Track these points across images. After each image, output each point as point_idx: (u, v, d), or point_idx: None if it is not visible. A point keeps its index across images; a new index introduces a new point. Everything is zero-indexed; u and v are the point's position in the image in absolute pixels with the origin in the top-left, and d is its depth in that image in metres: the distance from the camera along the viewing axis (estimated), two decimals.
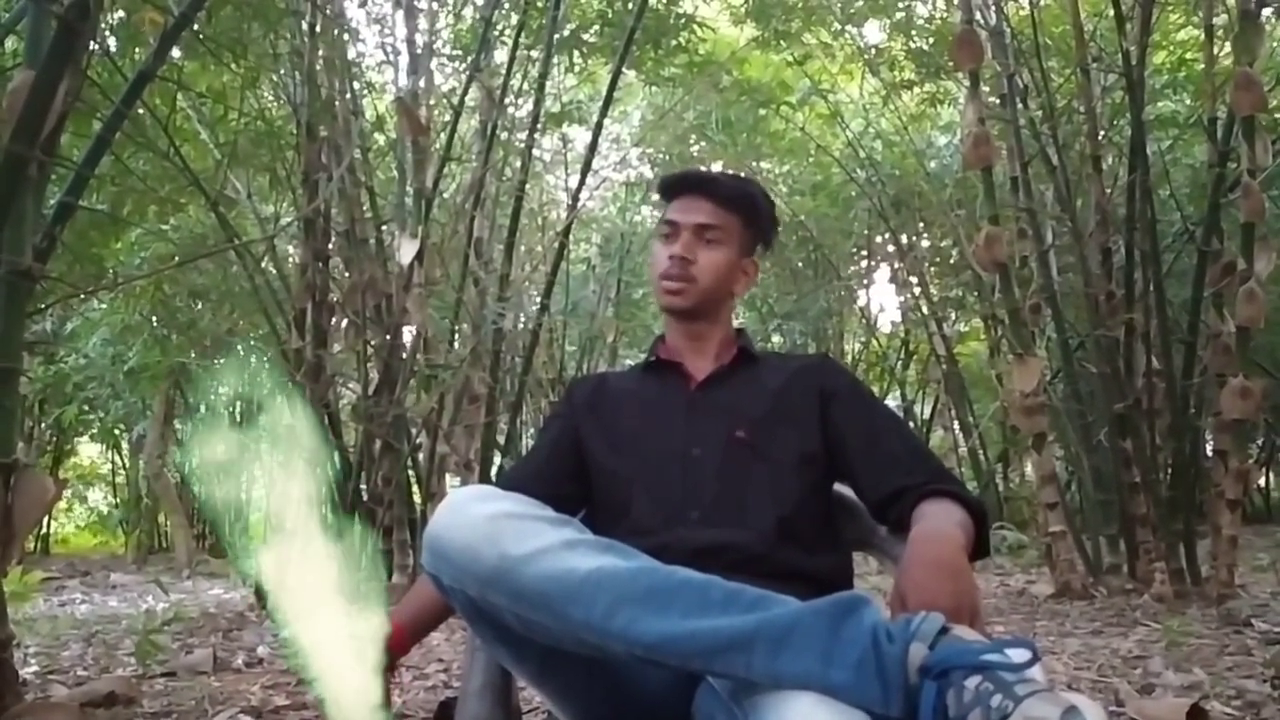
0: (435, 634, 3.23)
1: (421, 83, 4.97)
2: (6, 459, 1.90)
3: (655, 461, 1.25)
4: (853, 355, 10.18)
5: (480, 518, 0.97)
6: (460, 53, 5.87)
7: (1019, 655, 0.80)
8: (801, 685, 0.83)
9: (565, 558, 0.93)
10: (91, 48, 2.38)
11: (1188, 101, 6.19)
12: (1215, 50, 4.15)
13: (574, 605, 0.90)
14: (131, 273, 5.38)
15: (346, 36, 5.03)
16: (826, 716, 0.81)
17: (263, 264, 5.16)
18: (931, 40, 6.36)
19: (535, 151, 5.74)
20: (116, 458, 12.90)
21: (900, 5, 6.46)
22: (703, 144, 8.31)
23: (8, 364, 1.94)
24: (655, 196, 5.77)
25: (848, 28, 6.69)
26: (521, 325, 6.34)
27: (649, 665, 0.92)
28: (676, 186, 1.34)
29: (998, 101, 4.73)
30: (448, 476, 4.92)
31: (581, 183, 5.25)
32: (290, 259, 5.55)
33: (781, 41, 6.53)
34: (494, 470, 5.28)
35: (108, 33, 3.65)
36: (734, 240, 1.31)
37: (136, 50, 3.61)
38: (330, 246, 4.78)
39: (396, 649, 1.21)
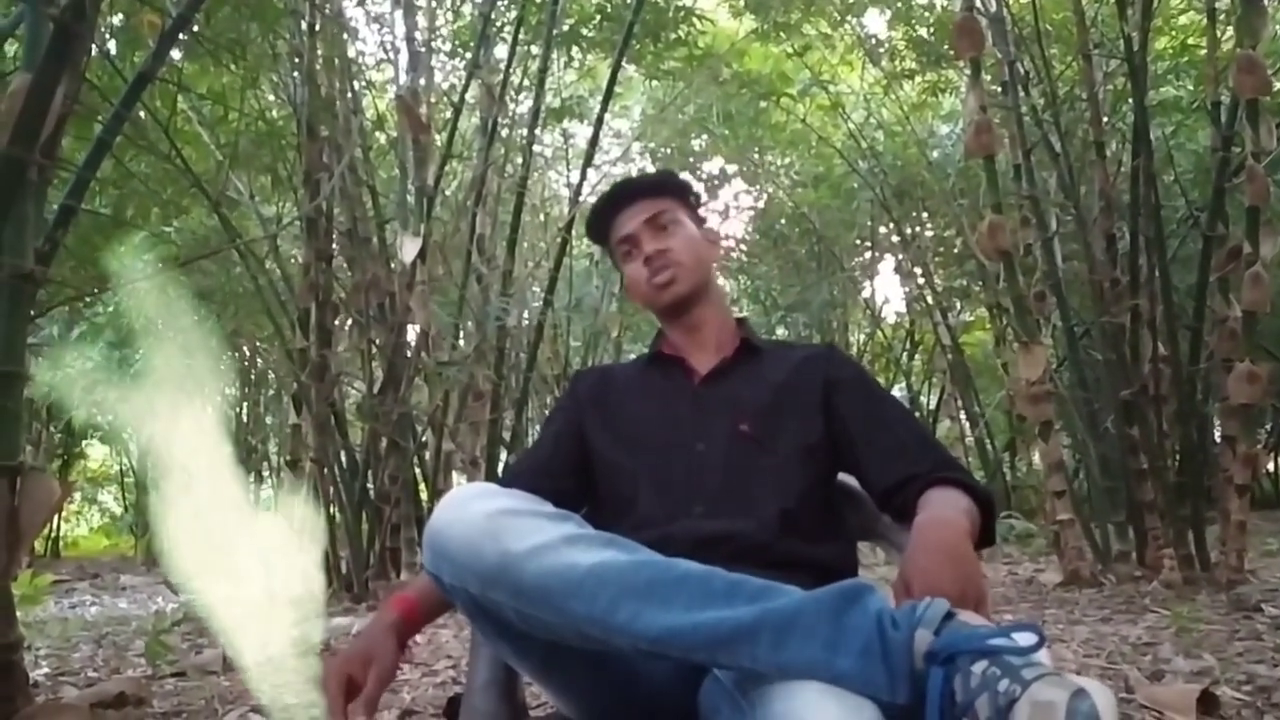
0: (444, 630, 3.25)
1: (421, 80, 4.98)
2: (12, 462, 1.91)
3: (660, 456, 1.25)
4: (858, 346, 10.17)
5: (480, 515, 0.96)
6: (460, 50, 5.87)
7: (1025, 639, 0.79)
8: (807, 675, 0.82)
9: (566, 553, 0.92)
10: (90, 50, 2.38)
11: (1190, 86, 6.15)
12: (1218, 34, 4.14)
13: (576, 600, 0.90)
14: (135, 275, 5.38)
15: (346, 35, 5.03)
16: (832, 705, 0.80)
17: (266, 264, 5.16)
18: (932, 29, 6.34)
19: (536, 147, 5.74)
20: (126, 460, 12.93)
21: None
22: (704, 137, 8.30)
23: (11, 368, 1.94)
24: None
25: (847, 18, 6.67)
26: (525, 321, 6.34)
27: (653, 659, 0.92)
28: (606, 212, 1.35)
29: (999, 89, 4.72)
30: (454, 473, 4.93)
31: (583, 178, 5.25)
32: (293, 259, 5.56)
33: (781, 33, 6.51)
34: (500, 466, 5.29)
35: (107, 35, 3.65)
36: (683, 216, 1.34)
37: (136, 52, 3.61)
38: (333, 246, 4.80)
39: (411, 619, 1.15)
